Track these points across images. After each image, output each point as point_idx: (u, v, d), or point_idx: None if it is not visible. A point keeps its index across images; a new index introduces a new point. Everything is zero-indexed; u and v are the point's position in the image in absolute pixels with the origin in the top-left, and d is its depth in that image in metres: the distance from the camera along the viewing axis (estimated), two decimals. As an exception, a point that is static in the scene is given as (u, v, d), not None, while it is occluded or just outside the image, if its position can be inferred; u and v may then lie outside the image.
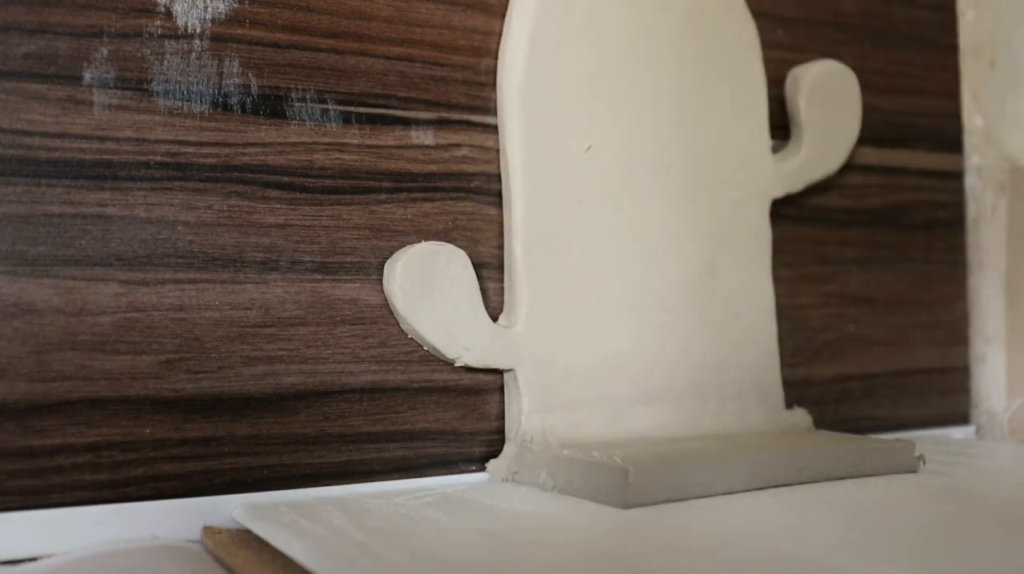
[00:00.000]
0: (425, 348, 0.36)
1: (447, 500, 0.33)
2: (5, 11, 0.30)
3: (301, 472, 0.34)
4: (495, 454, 0.37)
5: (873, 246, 0.52)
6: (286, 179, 0.34)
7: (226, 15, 0.33)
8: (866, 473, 0.37)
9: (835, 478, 0.36)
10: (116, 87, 0.31)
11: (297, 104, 0.34)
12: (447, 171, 0.37)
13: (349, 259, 0.35)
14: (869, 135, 0.49)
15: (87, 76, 0.31)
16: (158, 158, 0.32)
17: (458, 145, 0.38)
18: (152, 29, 0.32)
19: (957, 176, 0.53)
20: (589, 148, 0.39)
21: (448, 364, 0.37)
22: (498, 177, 0.38)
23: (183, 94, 0.32)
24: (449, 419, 0.37)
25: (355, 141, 0.35)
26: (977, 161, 0.54)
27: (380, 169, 0.36)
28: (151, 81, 0.32)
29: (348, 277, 0.35)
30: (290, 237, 0.34)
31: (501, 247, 0.38)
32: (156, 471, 0.31)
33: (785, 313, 0.45)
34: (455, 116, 0.38)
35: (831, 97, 0.46)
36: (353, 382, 0.35)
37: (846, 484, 0.36)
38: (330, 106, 0.35)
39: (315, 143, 0.35)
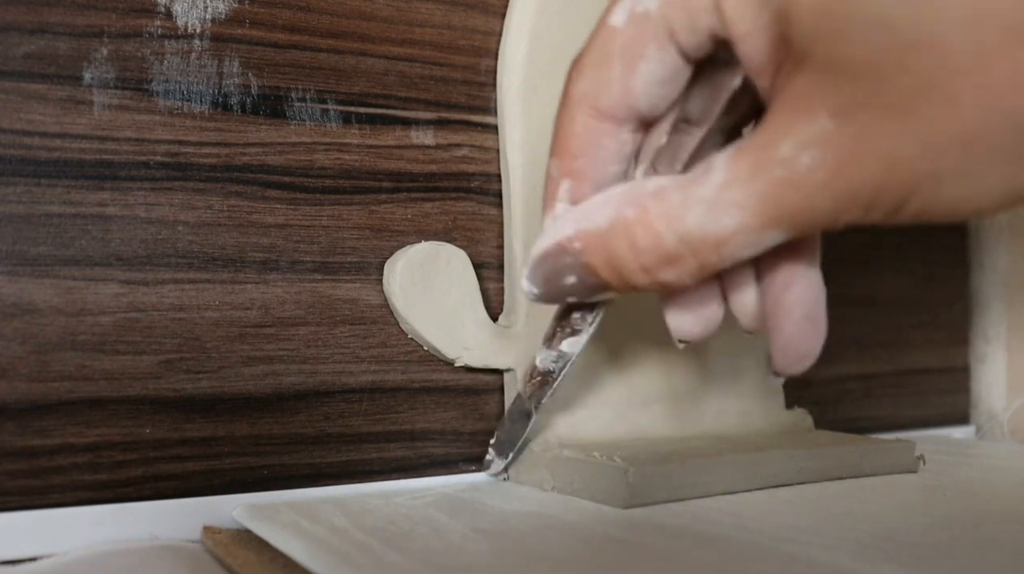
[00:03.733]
0: (425, 348, 0.36)
1: (447, 500, 0.33)
2: (5, 11, 0.30)
3: (301, 472, 0.34)
4: (495, 454, 0.37)
5: (873, 246, 0.52)
6: (286, 179, 0.34)
7: (226, 15, 0.33)
8: (866, 473, 0.37)
9: (835, 478, 0.36)
10: (116, 87, 0.31)
11: (297, 104, 0.34)
12: (447, 171, 0.37)
13: (349, 259, 0.35)
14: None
15: (87, 76, 0.31)
16: (158, 158, 0.32)
17: (458, 145, 0.38)
18: (152, 29, 0.32)
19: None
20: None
21: (448, 364, 0.37)
22: (498, 177, 0.38)
23: (183, 94, 0.32)
24: (449, 419, 0.37)
25: (355, 141, 0.35)
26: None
27: (380, 169, 0.36)
28: (151, 81, 0.32)
29: (348, 277, 0.35)
30: (290, 237, 0.34)
31: (501, 247, 0.38)
32: (156, 471, 0.31)
33: (785, 313, 0.45)
34: (455, 116, 0.38)
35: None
36: (353, 382, 0.35)
37: (846, 484, 0.36)
38: (330, 106, 0.35)
39: (315, 143, 0.35)
